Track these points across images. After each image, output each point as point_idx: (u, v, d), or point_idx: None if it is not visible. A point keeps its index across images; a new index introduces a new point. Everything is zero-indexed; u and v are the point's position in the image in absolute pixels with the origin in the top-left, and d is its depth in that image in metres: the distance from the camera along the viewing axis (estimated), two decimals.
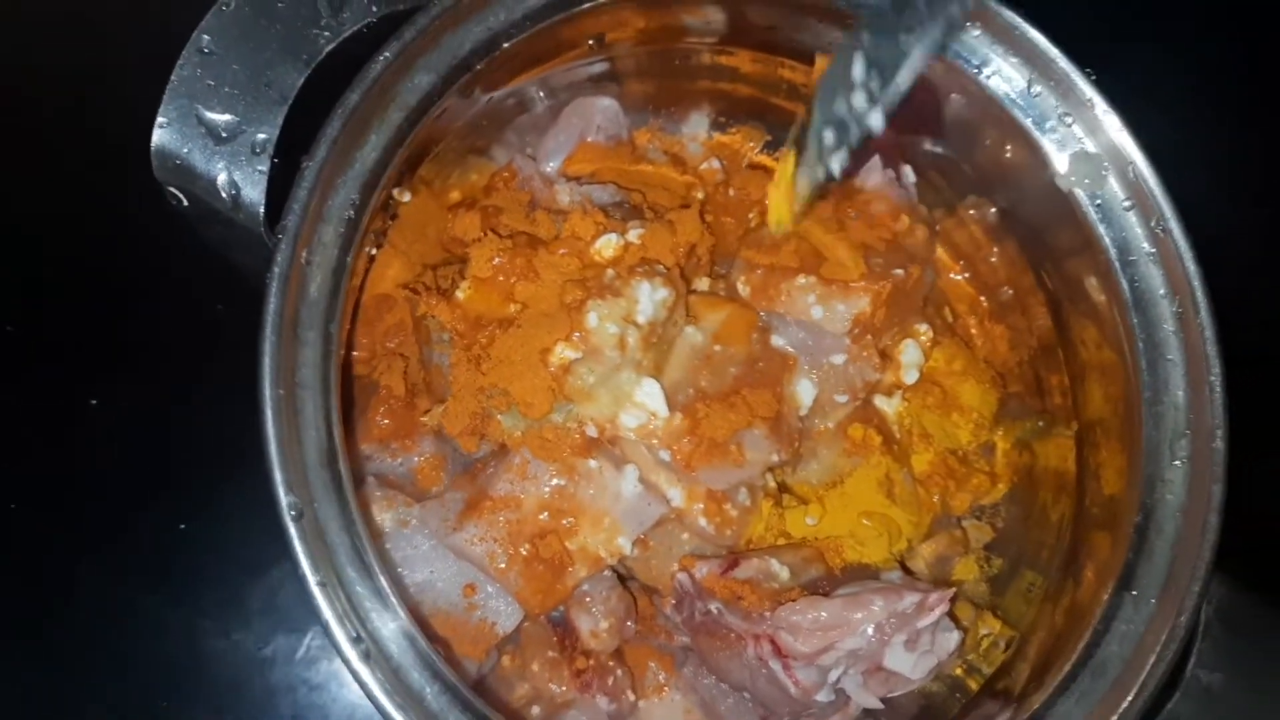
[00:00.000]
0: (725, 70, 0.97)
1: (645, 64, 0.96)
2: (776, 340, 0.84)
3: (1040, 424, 0.96)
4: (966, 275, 1.02)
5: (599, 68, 0.94)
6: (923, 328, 0.91)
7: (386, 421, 0.87)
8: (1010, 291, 0.98)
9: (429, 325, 0.83)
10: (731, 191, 0.96)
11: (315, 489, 0.66)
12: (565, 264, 0.81)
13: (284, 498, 0.64)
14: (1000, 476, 0.98)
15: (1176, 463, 0.78)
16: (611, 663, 0.87)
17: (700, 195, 0.96)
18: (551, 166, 0.97)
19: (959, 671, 0.92)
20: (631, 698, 0.87)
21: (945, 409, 0.94)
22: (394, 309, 0.91)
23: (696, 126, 1.05)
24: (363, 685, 0.63)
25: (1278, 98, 1.12)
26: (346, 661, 0.63)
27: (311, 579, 0.63)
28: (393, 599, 0.67)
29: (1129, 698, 0.73)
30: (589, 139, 0.98)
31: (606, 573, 0.85)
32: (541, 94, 0.95)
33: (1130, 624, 0.76)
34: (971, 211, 0.97)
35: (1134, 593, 0.76)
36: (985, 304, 1.01)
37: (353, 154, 0.72)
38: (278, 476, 0.64)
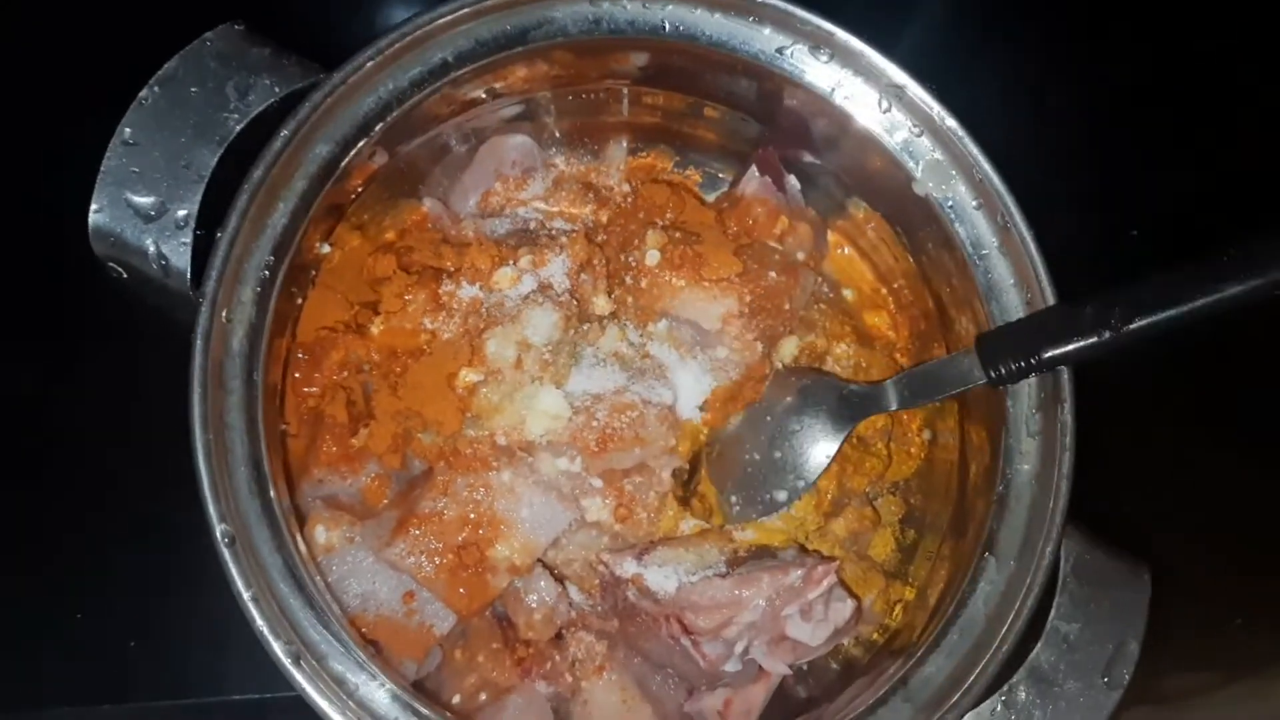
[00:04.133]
0: (642, 106, 1.05)
1: (556, 104, 1.05)
2: (657, 348, 0.93)
3: (936, 403, 1.04)
4: (866, 266, 1.10)
5: (512, 110, 1.02)
6: (796, 339, 0.99)
7: (334, 448, 0.96)
8: (902, 281, 1.06)
9: (354, 359, 0.93)
10: (631, 202, 1.04)
11: (247, 516, 0.76)
12: (468, 294, 0.90)
13: (217, 526, 0.74)
14: (913, 456, 1.07)
15: (1031, 436, 0.86)
16: (550, 649, 0.97)
17: (604, 218, 1.04)
18: (471, 202, 1.06)
19: (875, 636, 1.01)
20: (570, 679, 0.96)
21: None
22: (337, 345, 1.01)
23: (614, 155, 1.12)
24: (294, 683, 0.73)
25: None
26: (279, 663, 0.73)
27: (245, 594, 0.73)
28: (325, 608, 0.78)
29: (990, 650, 0.81)
30: (504, 173, 1.07)
31: (537, 568, 0.94)
32: (456, 139, 1.03)
33: (993, 584, 0.84)
34: (859, 212, 1.05)
35: (996, 555, 0.85)
36: (884, 292, 1.09)
37: (264, 221, 0.81)
38: (211, 510, 0.74)
